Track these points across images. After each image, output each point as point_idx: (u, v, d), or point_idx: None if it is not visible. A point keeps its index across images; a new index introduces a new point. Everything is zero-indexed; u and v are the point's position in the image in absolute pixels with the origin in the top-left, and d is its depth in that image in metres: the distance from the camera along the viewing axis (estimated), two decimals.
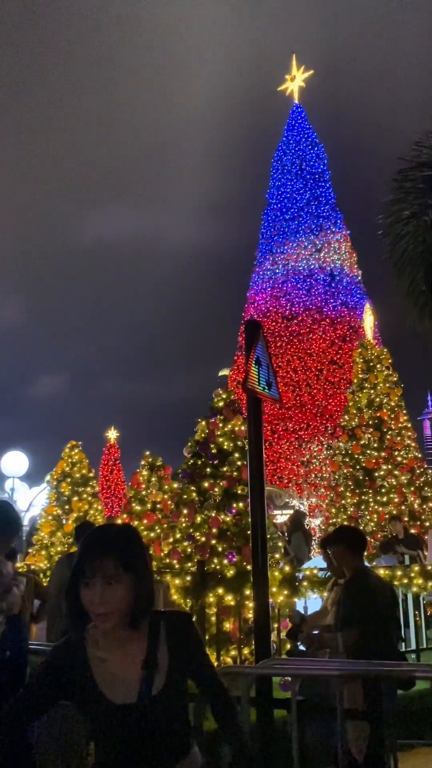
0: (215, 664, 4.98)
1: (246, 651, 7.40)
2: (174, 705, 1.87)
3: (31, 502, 18.87)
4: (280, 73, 39.73)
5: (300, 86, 38.11)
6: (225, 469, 8.69)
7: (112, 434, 41.23)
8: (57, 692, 1.91)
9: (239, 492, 8.51)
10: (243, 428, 9.06)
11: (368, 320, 17.62)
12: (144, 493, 10.62)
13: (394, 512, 13.84)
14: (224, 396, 9.47)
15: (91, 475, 17.04)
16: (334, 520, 15.28)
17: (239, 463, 8.68)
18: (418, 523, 14.63)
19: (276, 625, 7.20)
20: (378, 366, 16.10)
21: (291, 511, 18.38)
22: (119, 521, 10.97)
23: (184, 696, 1.95)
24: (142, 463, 11.14)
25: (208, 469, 8.79)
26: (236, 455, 8.80)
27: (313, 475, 27.72)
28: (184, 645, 1.94)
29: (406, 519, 14.44)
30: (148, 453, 11.13)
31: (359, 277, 35.11)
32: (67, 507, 16.03)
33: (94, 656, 1.92)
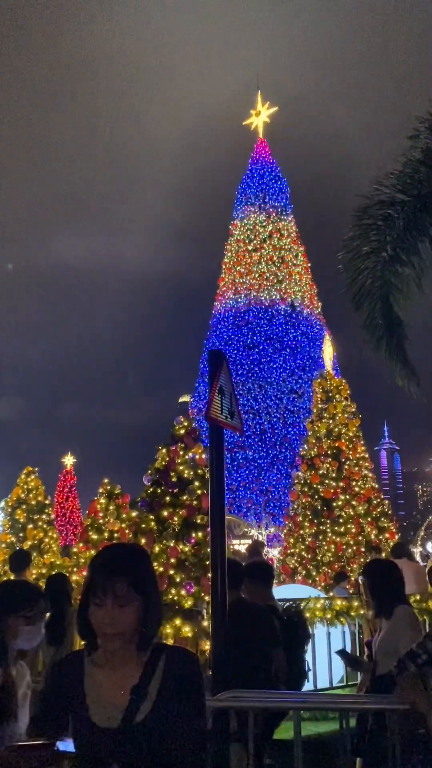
0: None
1: None
2: (157, 736, 1.81)
3: None
4: (245, 106, 40.80)
5: (265, 122, 39.10)
6: (185, 497, 8.64)
7: (69, 460, 40.53)
8: (62, 705, 1.92)
9: (199, 521, 8.46)
10: (204, 456, 9.05)
11: (327, 351, 17.91)
12: (101, 521, 10.46)
13: (373, 542, 13.94)
14: (185, 424, 9.45)
15: (47, 502, 16.70)
16: (292, 550, 15.29)
17: (199, 491, 8.64)
18: (374, 553, 14.74)
19: None
20: (337, 396, 16.33)
21: (249, 541, 18.33)
22: (75, 550, 10.77)
23: (173, 729, 1.84)
24: (100, 490, 10.99)
25: (167, 498, 8.71)
26: (196, 484, 8.76)
27: (272, 504, 27.77)
28: (179, 682, 1.88)
29: (362, 549, 14.56)
30: (106, 480, 11.00)
31: (319, 309, 35.81)
32: (21, 534, 15.64)
33: (89, 674, 1.91)
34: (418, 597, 8.59)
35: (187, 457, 8.97)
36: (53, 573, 8.08)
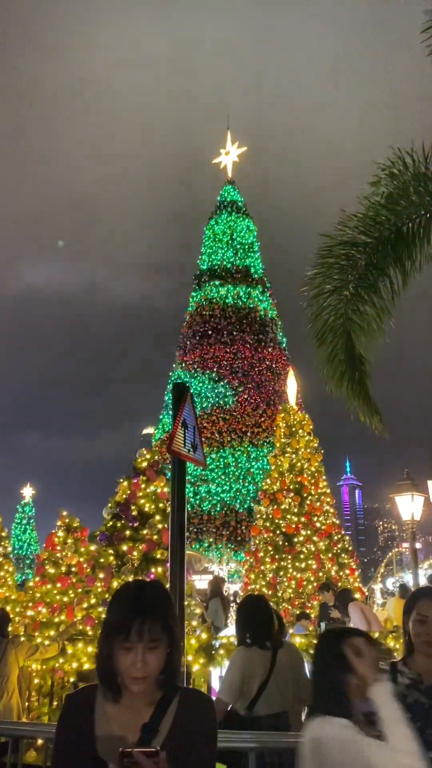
0: None
1: None
2: None
3: None
4: (215, 144, 41.72)
5: (234, 161, 39.96)
6: (145, 532, 8.54)
7: (28, 491, 39.69)
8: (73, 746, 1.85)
9: (159, 556, 8.35)
10: (166, 490, 8.97)
11: (291, 386, 18.07)
12: (59, 555, 10.21)
13: (324, 580, 13.88)
14: (148, 456, 9.39)
15: (3, 534, 16.26)
16: (253, 585, 15.14)
17: (160, 526, 8.55)
18: (324, 592, 14.71)
19: None
20: (300, 431, 16.44)
21: (210, 576, 18.11)
22: (30, 584, 10.46)
23: None
24: (58, 523, 10.75)
25: (127, 532, 8.60)
26: (157, 518, 8.67)
27: (234, 539, 27.56)
28: (192, 725, 1.83)
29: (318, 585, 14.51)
30: (65, 513, 10.78)
31: (284, 344, 36.26)
32: None
33: (101, 710, 1.86)
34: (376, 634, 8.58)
35: (148, 490, 8.89)
36: None
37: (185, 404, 5.56)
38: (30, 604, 9.58)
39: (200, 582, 19.19)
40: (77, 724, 1.85)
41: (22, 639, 6.91)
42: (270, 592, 14.67)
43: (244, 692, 3.99)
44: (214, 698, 4.11)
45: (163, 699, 1.84)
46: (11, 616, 7.68)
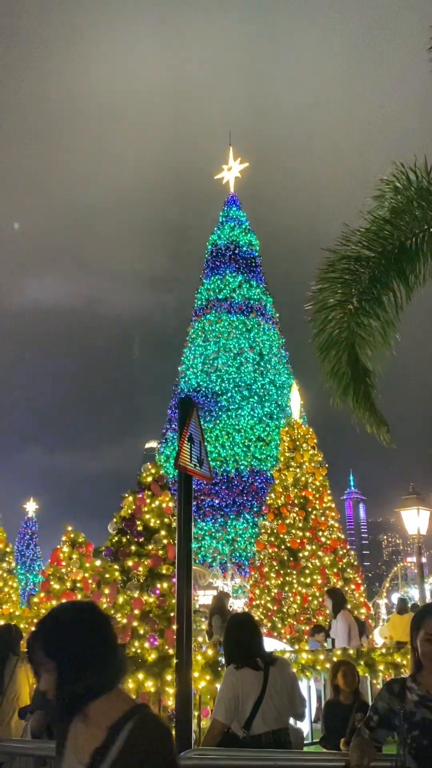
0: None
1: None
2: None
3: None
4: (218, 159, 42.03)
5: (236, 177, 40.27)
6: (150, 547, 8.49)
7: (31, 506, 39.62)
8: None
9: (164, 572, 8.30)
10: (171, 505, 8.95)
11: (295, 400, 18.07)
12: (64, 570, 10.18)
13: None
14: (153, 471, 9.36)
15: (8, 550, 16.21)
16: (258, 601, 15.05)
17: (165, 541, 8.51)
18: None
19: (197, 713, 6.91)
20: (304, 445, 16.41)
21: (215, 592, 18.00)
22: (35, 599, 10.43)
23: None
24: (63, 538, 10.73)
25: (133, 547, 8.55)
26: (163, 533, 8.62)
27: (238, 554, 27.43)
28: (140, 750, 1.76)
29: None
30: (70, 528, 10.76)
31: (287, 358, 36.32)
32: None
33: (72, 731, 1.87)
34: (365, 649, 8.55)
35: (153, 505, 8.86)
36: (2, 625, 7.81)
37: (191, 419, 5.58)
38: (35, 621, 9.53)
39: (204, 598, 19.07)
40: (58, 743, 1.89)
41: None
42: (275, 608, 14.57)
43: (239, 712, 3.96)
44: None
45: (116, 724, 1.80)
46: None
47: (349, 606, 12.31)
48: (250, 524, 28.50)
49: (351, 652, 8.62)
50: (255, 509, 28.88)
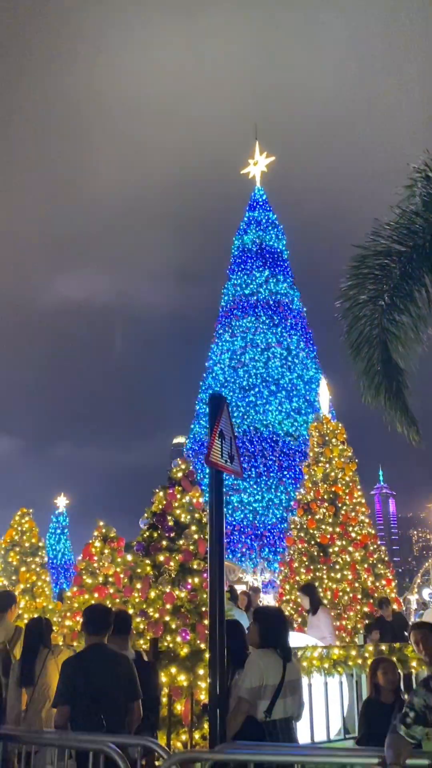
0: (165, 748, 4.78)
1: (197, 735, 7.11)
2: None
3: None
4: (243, 153, 41.90)
5: (262, 171, 40.10)
6: (181, 542, 8.57)
7: (62, 501, 40.14)
8: None
9: (195, 567, 8.37)
10: (201, 500, 9.01)
11: (324, 395, 17.98)
12: (96, 565, 10.32)
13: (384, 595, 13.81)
14: (183, 466, 9.44)
15: (40, 544, 16.46)
16: (288, 596, 15.06)
17: (196, 536, 8.58)
18: (371, 601, 14.54)
19: None
20: (333, 440, 16.33)
21: (244, 587, 18.05)
22: (68, 593, 10.59)
23: None
24: (95, 533, 10.86)
25: (164, 542, 8.64)
26: (193, 528, 8.70)
27: (267, 549, 27.45)
28: None
29: (359, 596, 14.35)
30: (101, 523, 10.90)
31: (315, 352, 36.12)
32: (14, 577, 15.35)
33: None
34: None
35: (184, 500, 8.93)
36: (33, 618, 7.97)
37: (222, 415, 5.62)
38: (68, 614, 9.69)
39: None
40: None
41: (62, 648, 7.00)
42: None
43: (262, 696, 4.11)
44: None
45: None
46: None
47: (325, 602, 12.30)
48: (279, 519, 28.49)
49: (384, 648, 8.59)
50: (284, 504, 28.86)
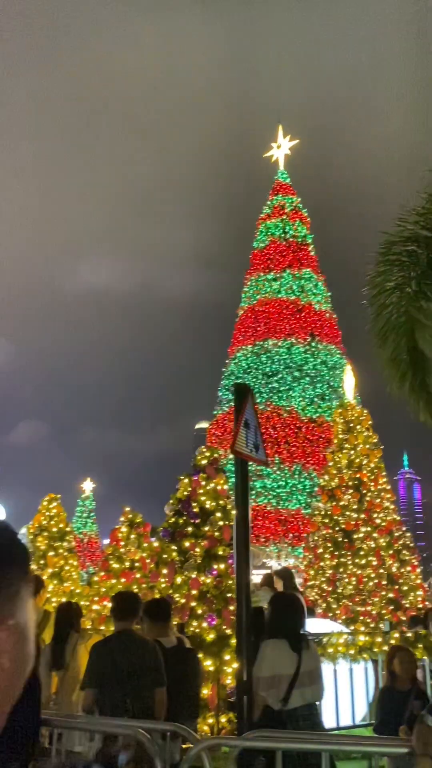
0: (193, 733, 4.86)
1: (223, 719, 7.22)
2: None
3: None
4: (267, 136, 41.41)
5: (286, 154, 39.62)
6: (207, 528, 8.65)
7: (88, 485, 40.62)
8: None
9: (220, 553, 8.45)
10: (225, 487, 9.07)
11: (348, 381, 17.87)
12: (122, 550, 10.46)
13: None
14: (207, 454, 9.50)
15: (68, 529, 16.71)
16: (313, 582, 15.11)
17: (221, 523, 8.65)
18: (396, 587, 14.53)
19: None
20: (358, 427, 16.26)
21: (268, 571, 18.12)
22: (96, 578, 10.76)
23: None
24: (122, 519, 11.00)
25: (189, 528, 8.73)
26: (218, 515, 8.77)
27: (291, 534, 27.50)
28: None
29: (384, 583, 14.35)
30: (128, 509, 11.02)
31: (339, 338, 35.81)
32: (42, 562, 15.63)
33: None
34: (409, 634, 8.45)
35: (208, 487, 9.00)
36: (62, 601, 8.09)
37: (247, 404, 5.63)
38: (96, 599, 9.85)
39: (257, 577, 19.23)
40: None
41: (91, 633, 7.12)
42: (330, 589, 14.61)
43: (277, 687, 4.14)
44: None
45: None
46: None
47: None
48: (303, 505, 28.50)
49: (410, 635, 8.60)
50: (308, 490, 28.85)
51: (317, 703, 4.41)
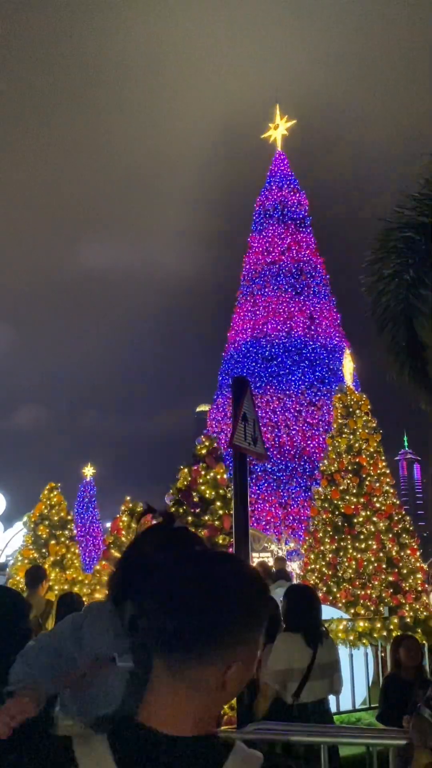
0: None
1: (225, 707, 7.30)
2: None
3: (7, 543, 18.46)
4: (264, 118, 40.98)
5: (283, 135, 39.24)
6: (207, 517, 8.70)
7: (89, 471, 40.79)
8: None
9: (220, 542, 8.50)
10: (225, 476, 9.10)
11: (348, 365, 17.85)
12: (124, 539, 10.52)
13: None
14: (207, 443, 9.52)
15: (69, 518, 16.80)
16: (313, 566, 15.22)
17: (221, 512, 8.69)
18: (396, 570, 14.63)
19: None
20: (357, 412, 16.26)
21: (269, 555, 18.26)
22: (97, 567, 10.84)
23: None
24: (122, 508, 11.06)
25: (189, 518, 8.77)
26: (218, 504, 8.81)
27: (291, 518, 27.67)
28: None
29: (384, 566, 14.45)
30: (128, 498, 11.08)
31: (338, 321, 35.72)
32: (44, 550, 15.73)
33: None
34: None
35: (208, 477, 9.04)
36: (64, 592, 8.11)
37: (245, 398, 5.63)
38: (97, 587, 9.93)
39: (259, 561, 19.35)
40: None
41: None
42: (330, 572, 14.72)
43: (289, 681, 4.15)
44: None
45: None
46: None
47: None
48: (303, 489, 28.64)
49: (409, 620, 8.66)
50: (307, 473, 28.96)
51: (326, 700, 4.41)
